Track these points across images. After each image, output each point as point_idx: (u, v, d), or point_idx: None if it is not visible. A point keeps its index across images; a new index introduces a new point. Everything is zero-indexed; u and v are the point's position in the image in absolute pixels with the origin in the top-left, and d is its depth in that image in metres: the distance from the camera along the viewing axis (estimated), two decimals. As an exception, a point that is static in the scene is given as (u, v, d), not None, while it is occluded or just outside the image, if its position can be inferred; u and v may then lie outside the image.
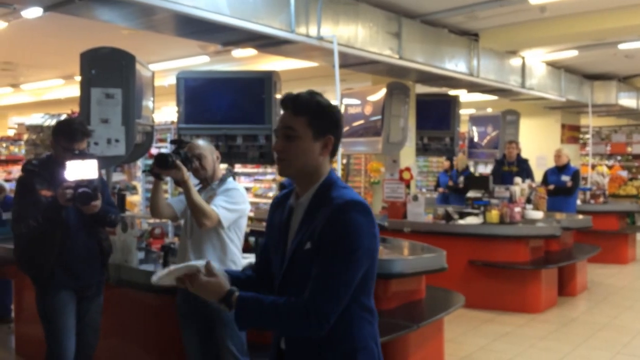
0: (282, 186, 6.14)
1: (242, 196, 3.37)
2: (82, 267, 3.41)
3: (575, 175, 8.44)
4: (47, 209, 3.19)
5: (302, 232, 1.86)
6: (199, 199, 3.15)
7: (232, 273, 2.03)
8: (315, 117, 1.86)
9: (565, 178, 8.40)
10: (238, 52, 8.01)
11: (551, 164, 8.86)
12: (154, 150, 8.58)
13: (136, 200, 8.75)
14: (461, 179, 9.15)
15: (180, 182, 3.13)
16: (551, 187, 8.23)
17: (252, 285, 2.06)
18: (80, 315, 3.47)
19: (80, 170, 3.08)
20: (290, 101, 1.88)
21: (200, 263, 1.89)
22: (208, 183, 3.40)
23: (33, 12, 5.67)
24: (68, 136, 3.30)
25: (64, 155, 3.22)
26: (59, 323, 3.35)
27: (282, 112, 1.91)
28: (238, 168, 13.22)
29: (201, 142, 3.44)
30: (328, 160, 1.93)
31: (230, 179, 3.45)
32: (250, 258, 3.97)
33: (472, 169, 10.31)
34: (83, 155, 3.19)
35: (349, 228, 1.77)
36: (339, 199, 1.81)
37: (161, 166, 3.10)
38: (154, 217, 3.57)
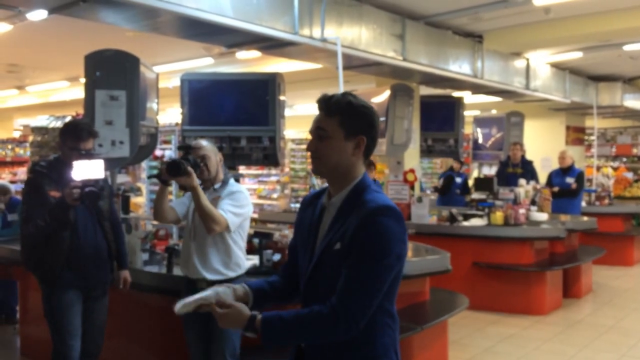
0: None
1: (247, 198, 3.37)
2: (90, 267, 3.43)
3: (580, 177, 8.41)
4: (55, 208, 3.21)
5: (333, 232, 1.86)
6: (208, 204, 3.13)
7: (254, 285, 2.01)
8: (347, 117, 1.87)
9: (570, 180, 8.36)
10: (242, 54, 8.01)
11: (556, 165, 8.84)
12: (158, 152, 8.61)
13: (140, 202, 8.77)
14: (441, 180, 9.29)
15: (190, 188, 3.12)
16: (555, 189, 8.20)
17: (279, 292, 2.06)
18: (86, 315, 3.48)
19: (87, 170, 3.11)
20: (323, 102, 1.90)
21: (210, 294, 1.88)
22: (210, 184, 3.38)
23: (38, 15, 5.68)
24: (74, 136, 3.34)
25: (71, 156, 3.24)
26: (65, 323, 3.36)
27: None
28: (242, 170, 13.24)
29: (204, 143, 3.41)
30: (362, 162, 1.92)
31: (232, 180, 3.45)
32: (255, 260, 3.98)
33: (476, 171, 10.30)
34: (90, 155, 3.22)
35: (381, 233, 1.77)
36: (372, 203, 1.82)
37: (173, 173, 3.08)
38: (158, 221, 3.58)
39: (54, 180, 3.34)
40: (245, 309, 1.81)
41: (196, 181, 3.11)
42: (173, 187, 7.79)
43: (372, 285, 1.77)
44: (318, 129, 1.89)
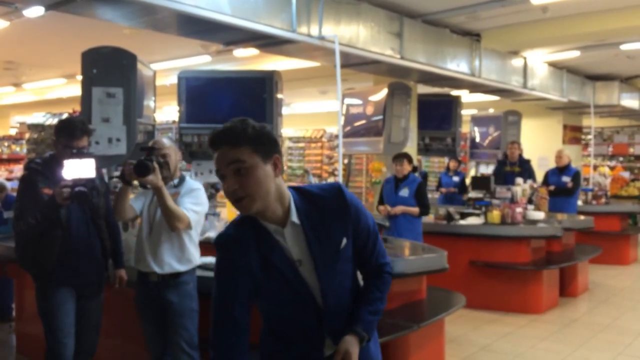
0: (397, 179, 6.13)
1: (205, 196, 3.47)
2: (83, 265, 3.42)
3: (576, 176, 8.42)
4: (45, 207, 3.19)
5: (322, 242, 1.84)
6: (172, 204, 3.21)
7: None
8: (257, 142, 1.75)
9: (566, 179, 8.38)
10: (240, 52, 8.02)
11: (553, 164, 8.86)
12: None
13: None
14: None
15: (154, 188, 3.17)
16: (552, 187, 8.22)
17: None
18: (81, 313, 3.46)
19: (78, 169, 3.07)
20: (223, 137, 1.74)
21: None
22: (168, 181, 3.39)
23: (35, 11, 5.67)
24: (68, 134, 3.30)
25: (64, 154, 3.22)
26: (59, 321, 3.35)
27: (215, 154, 1.76)
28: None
29: (166, 141, 3.47)
30: (282, 180, 1.84)
31: (188, 177, 3.54)
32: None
33: (473, 170, 10.30)
34: (81, 154, 3.17)
35: (359, 203, 1.93)
36: (328, 189, 1.90)
37: (142, 174, 3.10)
38: (119, 220, 3.57)
39: (48, 178, 3.31)
40: (349, 342, 1.85)
41: (161, 181, 3.17)
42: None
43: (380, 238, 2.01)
44: (233, 163, 1.71)
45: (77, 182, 3.06)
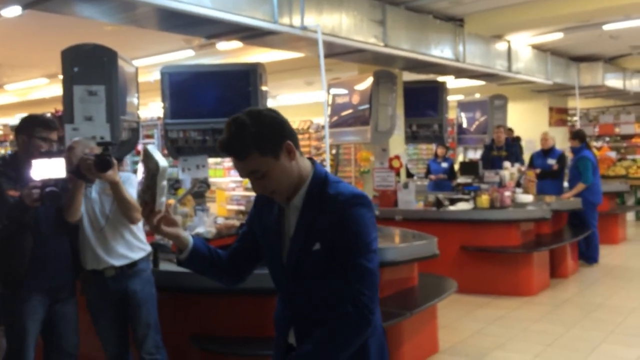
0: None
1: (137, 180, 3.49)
2: (56, 268, 3.30)
3: (561, 159, 8.46)
4: (13, 209, 3.05)
5: (302, 233, 1.83)
6: (129, 196, 3.23)
7: (199, 246, 1.98)
8: (261, 144, 1.76)
9: (551, 161, 8.41)
10: (223, 45, 7.95)
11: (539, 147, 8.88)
12: (140, 147, 8.52)
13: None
14: None
15: (112, 183, 3.16)
16: (537, 170, 8.25)
17: (213, 265, 2.02)
18: (58, 317, 3.35)
19: (47, 169, 2.93)
20: (230, 151, 1.79)
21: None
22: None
23: (12, 11, 5.57)
24: (44, 125, 3.22)
25: (29, 153, 3.11)
26: (26, 330, 3.24)
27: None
28: (227, 162, 13.16)
29: (75, 138, 3.46)
30: (301, 158, 1.87)
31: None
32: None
33: (461, 155, 10.33)
34: (50, 153, 3.03)
35: (360, 224, 1.79)
36: (342, 196, 1.80)
37: (102, 169, 3.07)
38: (71, 220, 3.42)
39: (13, 179, 3.17)
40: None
41: (117, 175, 3.16)
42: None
43: (373, 274, 1.78)
44: (250, 174, 1.81)
45: (46, 183, 2.92)
